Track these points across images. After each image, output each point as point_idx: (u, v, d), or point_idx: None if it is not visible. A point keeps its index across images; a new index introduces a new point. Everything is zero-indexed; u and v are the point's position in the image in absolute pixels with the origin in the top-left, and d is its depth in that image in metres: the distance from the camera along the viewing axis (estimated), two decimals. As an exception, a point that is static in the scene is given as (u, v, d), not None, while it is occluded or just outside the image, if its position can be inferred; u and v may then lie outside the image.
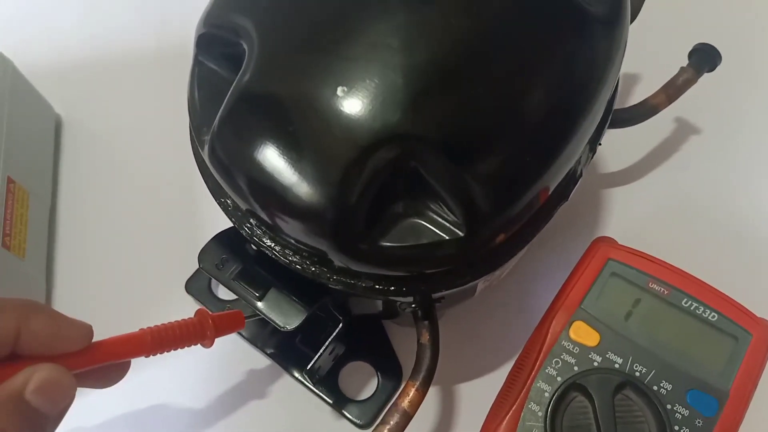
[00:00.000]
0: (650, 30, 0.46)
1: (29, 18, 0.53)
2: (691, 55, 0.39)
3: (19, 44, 0.45)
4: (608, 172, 0.45)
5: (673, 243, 0.40)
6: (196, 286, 0.41)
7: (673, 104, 0.40)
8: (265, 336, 0.39)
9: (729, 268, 0.40)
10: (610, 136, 0.45)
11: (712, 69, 0.39)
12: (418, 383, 0.30)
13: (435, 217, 0.27)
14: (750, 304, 0.35)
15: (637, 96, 0.43)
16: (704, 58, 0.39)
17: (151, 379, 0.39)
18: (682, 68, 0.39)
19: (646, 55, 0.47)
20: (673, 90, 0.39)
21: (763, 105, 0.48)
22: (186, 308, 0.41)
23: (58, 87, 0.49)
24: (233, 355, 0.40)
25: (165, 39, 0.51)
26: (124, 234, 0.44)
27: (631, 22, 0.38)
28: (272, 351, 0.39)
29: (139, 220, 0.45)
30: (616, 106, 0.44)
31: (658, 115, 0.40)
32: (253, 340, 0.39)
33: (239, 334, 0.40)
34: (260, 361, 0.40)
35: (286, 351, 0.39)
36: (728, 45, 0.42)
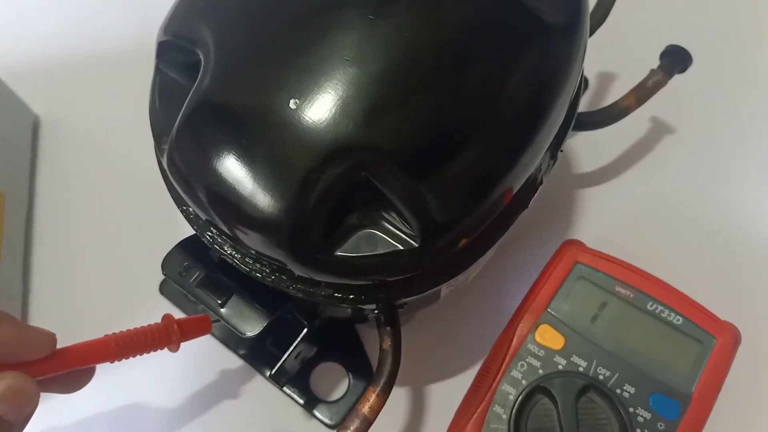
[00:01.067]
0: (624, 30, 0.46)
1: (6, 18, 0.53)
2: (662, 56, 0.39)
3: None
4: (581, 172, 0.45)
5: (644, 245, 0.40)
6: (170, 288, 0.42)
7: (647, 105, 0.40)
8: (237, 338, 0.39)
9: (699, 270, 0.40)
10: (584, 137, 0.45)
11: (683, 71, 0.39)
12: (378, 389, 0.31)
13: (390, 227, 0.27)
14: (718, 307, 0.35)
15: (612, 96, 0.43)
16: (675, 60, 0.38)
17: (127, 378, 0.40)
18: (652, 70, 0.39)
19: (620, 56, 0.47)
20: (643, 92, 0.39)
21: (737, 106, 0.47)
22: (161, 309, 0.42)
23: (36, 87, 0.49)
24: (207, 355, 0.40)
25: (145, 39, 0.50)
26: (102, 235, 0.45)
27: (599, 27, 0.38)
28: (244, 352, 0.39)
29: (116, 221, 0.45)
30: (587, 108, 0.44)
31: (632, 116, 0.40)
32: (225, 342, 0.40)
33: (212, 335, 0.40)
34: (233, 361, 0.40)
35: (258, 352, 0.39)
36: (704, 45, 0.42)
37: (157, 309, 0.41)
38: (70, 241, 0.45)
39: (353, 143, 0.26)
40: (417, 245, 0.27)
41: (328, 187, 0.26)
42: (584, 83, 0.45)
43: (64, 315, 0.42)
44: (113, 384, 0.39)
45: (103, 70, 0.51)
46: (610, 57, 0.47)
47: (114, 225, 0.45)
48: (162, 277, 0.42)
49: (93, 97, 0.50)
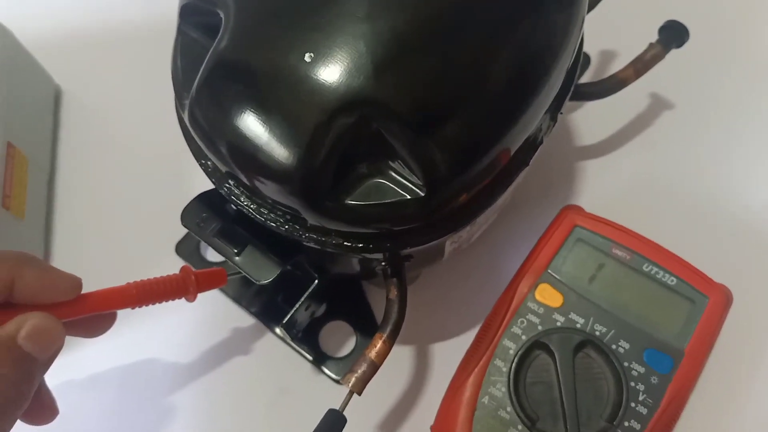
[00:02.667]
0: (625, 8, 0.47)
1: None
2: (660, 31, 0.41)
3: (19, 15, 0.47)
4: (581, 145, 0.46)
5: (640, 213, 0.42)
6: (185, 248, 0.43)
7: (646, 80, 0.42)
8: (249, 295, 0.41)
9: (693, 237, 0.41)
10: (585, 108, 0.47)
11: (680, 45, 0.40)
12: (385, 335, 0.32)
13: (398, 177, 0.29)
14: (711, 271, 0.36)
15: (611, 72, 0.44)
16: (672, 34, 0.40)
17: (140, 335, 0.41)
18: (650, 44, 0.40)
19: (620, 34, 0.48)
20: (641, 65, 0.40)
21: (734, 83, 0.49)
22: (176, 269, 0.43)
23: (58, 58, 0.50)
24: (220, 313, 0.42)
25: (165, 12, 0.52)
26: (120, 201, 0.46)
27: (598, 2, 0.39)
28: (255, 309, 0.41)
29: (134, 187, 0.47)
30: (586, 80, 0.45)
31: (632, 89, 0.42)
32: (237, 299, 0.41)
33: (224, 293, 0.42)
34: (245, 319, 0.42)
35: (269, 309, 0.41)
36: (704, 22, 0.43)
37: (172, 269, 0.43)
38: (90, 206, 0.46)
39: (364, 96, 0.27)
40: (423, 194, 0.28)
41: (338, 138, 0.27)
42: (587, 60, 0.47)
43: (82, 273, 0.43)
44: (127, 340, 0.41)
45: (123, 43, 0.52)
46: (611, 36, 0.48)
47: (131, 190, 0.47)
48: (177, 239, 0.44)
49: (113, 68, 0.51)
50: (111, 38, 0.52)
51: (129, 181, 0.47)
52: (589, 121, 0.46)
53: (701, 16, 0.45)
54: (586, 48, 0.47)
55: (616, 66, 0.47)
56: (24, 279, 0.27)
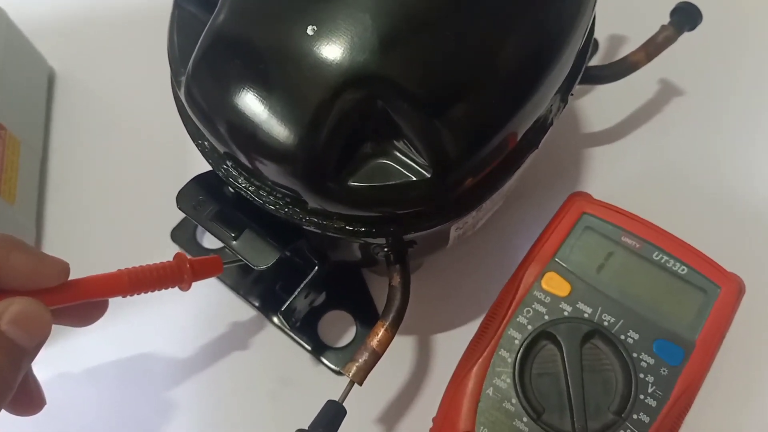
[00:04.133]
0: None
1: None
2: (672, 13, 0.40)
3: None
4: (591, 131, 0.45)
5: (650, 201, 0.41)
6: (181, 234, 0.42)
7: (656, 66, 0.41)
8: (247, 284, 0.40)
9: (704, 225, 0.41)
10: (595, 94, 0.46)
11: (692, 28, 0.39)
12: (387, 323, 0.31)
13: (403, 158, 0.28)
14: (723, 260, 0.35)
15: (621, 56, 0.43)
16: (685, 17, 0.39)
17: (135, 325, 0.40)
18: (662, 26, 0.39)
19: (631, 18, 0.47)
20: (652, 48, 0.39)
21: (749, 67, 0.48)
22: (172, 256, 0.42)
23: (52, 40, 0.49)
24: (217, 302, 0.41)
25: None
26: (113, 185, 0.45)
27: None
28: (254, 298, 0.40)
29: (128, 171, 0.46)
30: (598, 63, 0.44)
31: (643, 75, 0.41)
32: (235, 288, 0.40)
33: (222, 281, 0.41)
34: (243, 309, 0.41)
35: (267, 298, 0.40)
36: (716, 7, 0.42)
37: (168, 255, 0.42)
38: (83, 190, 0.45)
39: (370, 72, 0.26)
40: (429, 176, 0.27)
41: (343, 116, 0.26)
42: (595, 45, 0.45)
43: (75, 259, 0.42)
44: (122, 329, 0.40)
45: (117, 24, 0.51)
46: (621, 19, 0.47)
47: (125, 174, 0.46)
48: (172, 225, 0.43)
49: (106, 50, 0.50)
50: (105, 19, 0.51)
51: (123, 164, 0.46)
52: (600, 106, 0.45)
53: (712, 1, 0.44)
54: (595, 33, 0.46)
55: (626, 50, 0.46)
56: (9, 263, 0.25)
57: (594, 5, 0.31)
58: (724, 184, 0.44)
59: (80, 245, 0.43)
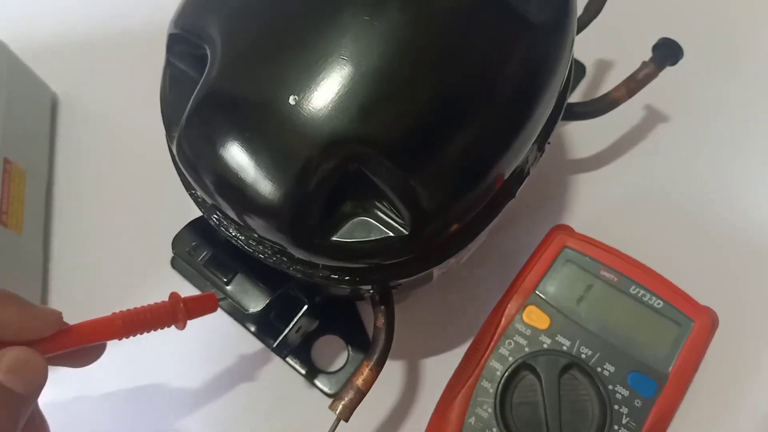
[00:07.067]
0: (622, 19, 0.47)
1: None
2: (654, 49, 0.40)
3: (14, 22, 0.46)
4: (574, 159, 0.46)
5: (630, 230, 0.42)
6: (181, 263, 0.44)
7: (639, 94, 0.41)
8: (243, 312, 0.42)
9: (681, 256, 0.42)
10: (576, 124, 0.46)
11: (674, 63, 0.40)
12: (372, 363, 0.33)
13: (382, 215, 0.29)
14: (698, 292, 0.37)
15: (608, 84, 0.44)
16: (666, 53, 0.40)
17: (134, 350, 0.40)
18: (643, 62, 0.40)
19: (617, 44, 0.47)
20: (634, 84, 0.40)
21: (728, 97, 0.48)
22: (172, 281, 0.44)
23: (54, 65, 0.50)
24: (214, 326, 0.42)
25: (161, 17, 0.52)
26: (119, 210, 0.47)
27: (594, 18, 0.39)
28: (250, 324, 0.42)
29: (133, 197, 0.47)
30: (583, 95, 0.45)
31: (624, 104, 0.42)
32: (232, 314, 0.42)
33: (220, 307, 0.42)
34: (240, 333, 0.42)
35: (263, 325, 0.42)
36: (698, 35, 0.42)
37: (168, 281, 0.44)
38: (89, 215, 0.47)
39: (347, 137, 0.27)
40: (407, 233, 0.29)
41: (324, 177, 0.28)
42: (582, 71, 0.46)
43: (83, 285, 0.44)
44: (120, 355, 0.41)
45: (120, 49, 0.52)
46: (607, 46, 0.48)
47: (130, 199, 0.47)
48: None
49: (109, 74, 0.51)
50: (108, 44, 0.52)
51: (128, 190, 0.47)
52: (580, 136, 0.46)
53: (697, 27, 0.45)
54: (581, 58, 0.47)
55: (612, 76, 0.47)
56: (4, 319, 0.26)
57: (570, 53, 0.32)
58: (703, 213, 0.44)
59: (88, 270, 0.45)
